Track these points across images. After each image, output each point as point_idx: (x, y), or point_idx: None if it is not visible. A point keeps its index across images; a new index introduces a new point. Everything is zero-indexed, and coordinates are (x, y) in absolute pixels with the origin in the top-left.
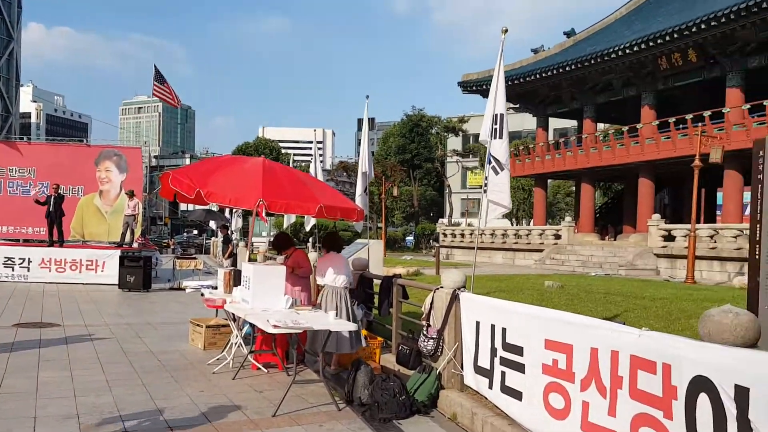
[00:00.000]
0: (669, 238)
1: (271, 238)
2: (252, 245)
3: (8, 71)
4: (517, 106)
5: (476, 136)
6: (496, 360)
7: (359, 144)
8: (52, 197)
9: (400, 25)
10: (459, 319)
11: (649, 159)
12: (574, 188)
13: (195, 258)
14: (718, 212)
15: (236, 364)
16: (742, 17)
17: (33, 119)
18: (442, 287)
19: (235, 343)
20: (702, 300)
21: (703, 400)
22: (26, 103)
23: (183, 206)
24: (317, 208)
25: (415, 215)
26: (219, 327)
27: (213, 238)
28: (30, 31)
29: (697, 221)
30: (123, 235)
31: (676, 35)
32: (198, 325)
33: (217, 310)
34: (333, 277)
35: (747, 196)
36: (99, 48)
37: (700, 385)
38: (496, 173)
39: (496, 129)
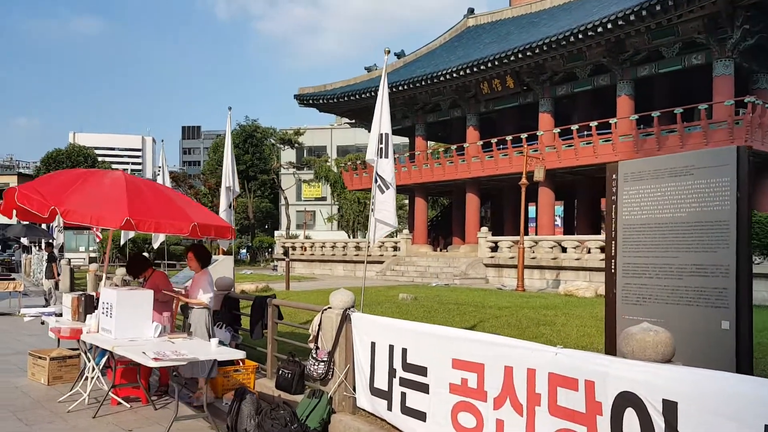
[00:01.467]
0: (495, 248)
1: (91, 255)
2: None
3: None
4: (353, 121)
5: (311, 148)
6: (395, 381)
7: (185, 153)
8: None
9: (223, 31)
10: (351, 341)
11: (474, 176)
12: (407, 201)
13: (14, 279)
14: (531, 224)
15: (92, 400)
16: (552, 49)
17: None
18: (330, 308)
19: (92, 377)
20: (541, 308)
21: (630, 415)
22: None
23: None
24: (191, 226)
25: (250, 227)
26: (65, 359)
27: (25, 255)
28: None
29: (516, 233)
30: None
31: (496, 62)
32: (40, 357)
33: (59, 340)
34: (205, 298)
35: (558, 209)
36: None
37: (627, 400)
38: (382, 192)
39: (381, 148)
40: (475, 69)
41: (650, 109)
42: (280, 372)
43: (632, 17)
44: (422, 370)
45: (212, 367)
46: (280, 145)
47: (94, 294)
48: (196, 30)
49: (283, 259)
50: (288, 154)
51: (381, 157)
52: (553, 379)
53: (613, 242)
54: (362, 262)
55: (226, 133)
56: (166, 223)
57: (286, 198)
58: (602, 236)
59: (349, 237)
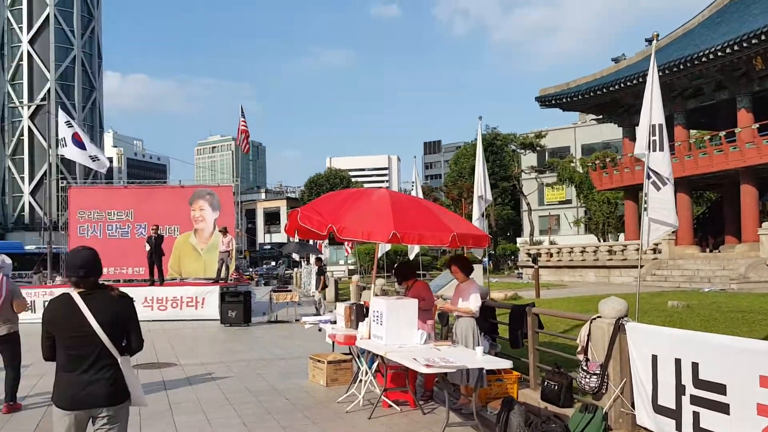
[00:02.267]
0: None
1: (350, 267)
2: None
3: (92, 119)
4: (600, 117)
5: (553, 150)
6: (685, 399)
7: (427, 167)
8: (152, 238)
9: (458, 47)
10: (626, 353)
11: (750, 164)
12: None
13: (290, 291)
14: None
15: (366, 402)
16: None
17: (115, 164)
18: (600, 317)
19: (365, 381)
20: None
21: None
22: (107, 148)
23: (261, 239)
24: (450, 237)
25: (492, 235)
26: (340, 362)
27: (296, 269)
28: (107, 80)
29: None
30: (218, 271)
31: None
32: (319, 360)
33: (333, 344)
34: (473, 307)
35: None
36: (172, 93)
37: None
38: (658, 189)
39: (654, 141)
40: (745, 44)
41: None
42: (546, 383)
43: None
44: (720, 388)
45: (480, 376)
46: (521, 150)
47: (363, 303)
48: (433, 50)
49: (528, 267)
50: (529, 159)
51: (653, 150)
52: None
53: None
54: (616, 267)
55: (477, 142)
56: (428, 235)
57: (528, 203)
58: None
59: (599, 240)
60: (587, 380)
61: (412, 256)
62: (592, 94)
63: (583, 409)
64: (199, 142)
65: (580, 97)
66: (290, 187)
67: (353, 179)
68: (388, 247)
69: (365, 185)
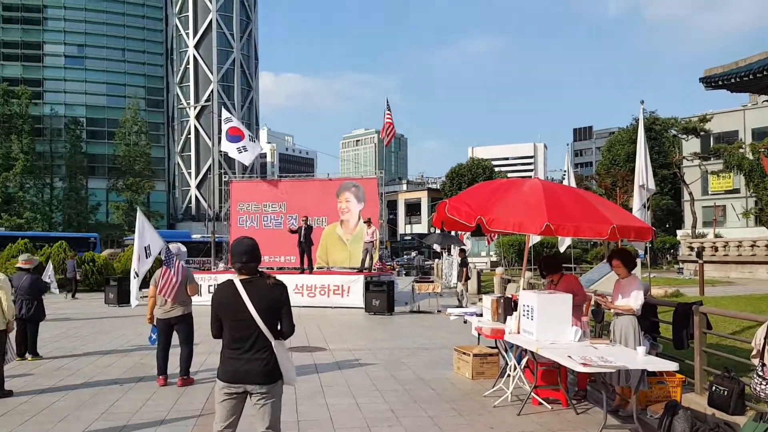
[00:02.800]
0: None
1: (492, 260)
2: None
3: (249, 117)
4: None
5: (720, 135)
6: None
7: (577, 155)
8: (302, 228)
9: (608, 28)
10: None
11: None
12: None
13: (432, 281)
14: None
15: (514, 397)
16: None
17: (268, 159)
18: None
19: (514, 376)
20: None
21: None
22: (263, 145)
23: (402, 230)
24: (609, 229)
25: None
26: (486, 356)
27: (436, 260)
28: (262, 79)
29: None
30: (363, 260)
31: None
32: (464, 353)
33: (479, 337)
34: (635, 305)
35: None
36: (320, 89)
37: None
38: None
39: None
40: None
41: None
42: (714, 388)
43: None
44: None
45: (642, 378)
46: (682, 135)
47: (511, 296)
48: (583, 32)
49: (690, 261)
50: (691, 145)
51: None
52: None
53: None
54: None
55: (639, 128)
56: (585, 227)
57: (690, 193)
58: None
59: None
60: (762, 387)
61: (562, 249)
62: (766, 72)
63: (758, 418)
64: (344, 136)
65: (751, 76)
66: (431, 178)
67: (496, 169)
68: (538, 238)
69: (509, 175)
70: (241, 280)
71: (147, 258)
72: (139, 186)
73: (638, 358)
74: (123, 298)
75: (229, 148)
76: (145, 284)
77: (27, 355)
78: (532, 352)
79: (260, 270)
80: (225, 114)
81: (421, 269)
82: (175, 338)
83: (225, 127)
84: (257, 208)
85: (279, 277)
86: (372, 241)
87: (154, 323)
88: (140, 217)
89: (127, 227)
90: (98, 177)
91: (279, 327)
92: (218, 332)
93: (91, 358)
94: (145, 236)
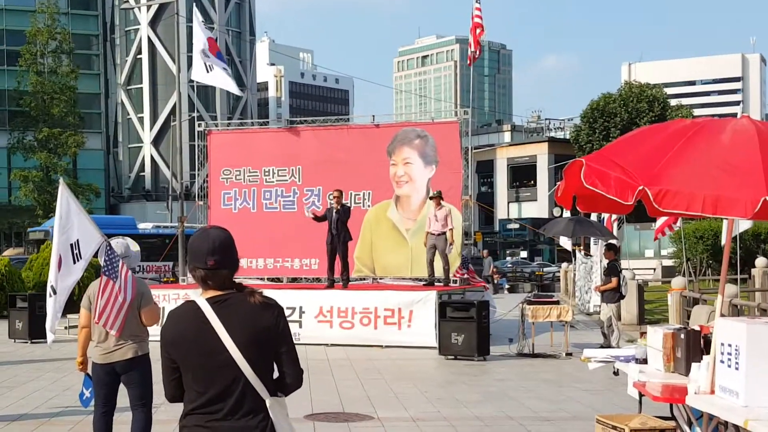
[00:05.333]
0: None
1: (665, 263)
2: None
3: (238, 21)
4: None
5: None
6: None
7: None
8: (333, 211)
9: None
10: None
11: None
12: None
13: (557, 302)
14: None
15: None
16: None
17: (271, 91)
18: None
19: None
20: None
21: None
22: (262, 67)
23: (502, 212)
24: None
25: None
26: (654, 431)
27: (564, 265)
28: None
29: None
30: (430, 265)
31: None
32: (614, 427)
33: (641, 399)
34: None
35: None
36: None
37: None
38: None
39: None
40: None
41: None
42: None
43: None
44: None
45: None
46: None
47: (699, 328)
48: None
49: None
50: None
51: None
52: None
53: None
54: None
55: None
56: None
57: None
58: None
59: None
60: None
61: None
62: None
63: None
64: (401, 50)
65: None
66: (556, 120)
67: (672, 101)
68: (748, 225)
69: (696, 111)
70: (208, 300)
71: (75, 263)
72: (59, 142)
73: None
74: (37, 330)
75: (209, 74)
76: (72, 307)
77: None
78: (737, 427)
79: (237, 282)
80: (199, 16)
81: (537, 281)
82: (124, 396)
83: (200, 38)
84: (254, 177)
85: (291, 293)
86: (444, 232)
87: (89, 371)
88: (63, 194)
89: (42, 211)
90: None
91: (276, 375)
92: (175, 390)
93: None
94: (71, 226)
